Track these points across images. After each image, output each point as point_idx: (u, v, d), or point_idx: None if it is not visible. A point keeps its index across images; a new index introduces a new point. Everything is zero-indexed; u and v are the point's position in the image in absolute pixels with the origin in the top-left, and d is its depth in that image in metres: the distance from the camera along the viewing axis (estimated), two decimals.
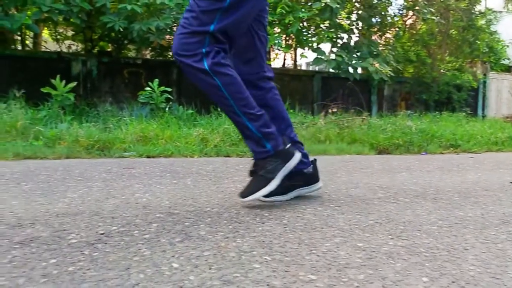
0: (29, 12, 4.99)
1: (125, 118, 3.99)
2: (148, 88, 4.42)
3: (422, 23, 7.99)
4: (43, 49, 7.91)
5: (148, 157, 3.13)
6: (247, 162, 2.83)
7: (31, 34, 6.97)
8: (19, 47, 6.73)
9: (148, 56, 7.13)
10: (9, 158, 2.80)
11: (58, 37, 8.00)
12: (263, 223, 1.31)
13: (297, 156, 1.55)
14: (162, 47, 5.99)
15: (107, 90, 5.90)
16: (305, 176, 1.67)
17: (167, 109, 4.43)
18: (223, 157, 3.27)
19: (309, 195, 1.72)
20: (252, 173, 1.54)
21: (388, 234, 1.25)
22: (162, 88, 4.45)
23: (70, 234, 1.15)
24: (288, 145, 1.55)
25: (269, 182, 1.48)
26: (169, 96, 4.54)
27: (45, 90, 4.07)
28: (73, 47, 8.32)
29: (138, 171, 2.32)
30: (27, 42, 7.66)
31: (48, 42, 8.70)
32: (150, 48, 6.21)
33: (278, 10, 5.08)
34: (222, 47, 1.40)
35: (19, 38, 6.92)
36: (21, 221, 1.26)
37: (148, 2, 4.39)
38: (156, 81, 4.46)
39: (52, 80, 4.14)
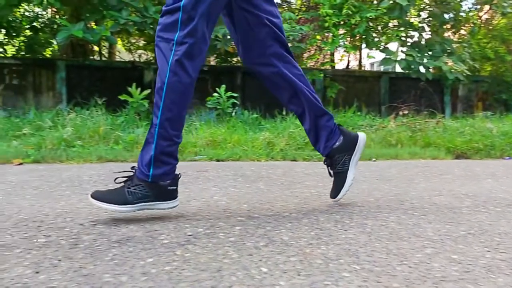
0: (106, 25, 5.39)
1: (195, 123, 4.14)
2: (215, 94, 4.56)
3: (500, 17, 7.39)
4: (117, 59, 8.50)
5: (217, 160, 3.22)
6: (316, 167, 2.81)
7: (107, 45, 7.52)
8: (97, 58, 7.30)
9: (213, 63, 7.37)
10: (94, 161, 3.03)
11: (131, 47, 8.56)
12: (345, 230, 1.28)
13: (173, 204, 1.39)
14: (227, 53, 6.15)
15: None
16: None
17: (233, 113, 4.53)
18: (290, 161, 3.26)
19: None
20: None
21: (483, 246, 1.16)
22: (229, 93, 4.56)
23: (161, 235, 1.21)
24: (174, 188, 1.39)
25: (125, 204, 1.32)
26: (235, 101, 4.64)
27: (122, 97, 4.35)
28: (144, 56, 8.85)
29: (212, 174, 2.39)
30: (103, 52, 8.29)
31: (121, 52, 9.34)
32: (215, 55, 6.40)
33: (344, 10, 4.98)
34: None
35: (97, 49, 7.51)
36: (116, 221, 1.35)
37: None
38: (223, 87, 4.58)
39: (129, 88, 4.42)
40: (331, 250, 1.10)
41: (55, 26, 7.42)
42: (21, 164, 2.91)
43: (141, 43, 8.55)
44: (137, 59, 8.43)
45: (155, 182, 1.33)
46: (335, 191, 1.56)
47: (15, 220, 1.36)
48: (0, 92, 5.84)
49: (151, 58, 7.71)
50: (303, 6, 7.52)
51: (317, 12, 5.53)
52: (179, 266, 0.98)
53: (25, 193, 1.81)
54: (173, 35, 1.29)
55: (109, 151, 3.29)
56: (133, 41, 8.55)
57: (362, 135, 1.59)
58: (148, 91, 4.54)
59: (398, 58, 5.36)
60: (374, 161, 3.24)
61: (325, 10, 4.97)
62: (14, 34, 6.99)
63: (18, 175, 2.36)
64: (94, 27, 4.51)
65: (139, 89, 4.47)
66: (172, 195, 1.38)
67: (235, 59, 6.92)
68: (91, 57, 7.08)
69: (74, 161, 3.01)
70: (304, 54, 6.78)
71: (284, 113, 4.65)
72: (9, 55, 6.77)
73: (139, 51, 8.71)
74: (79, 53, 6.61)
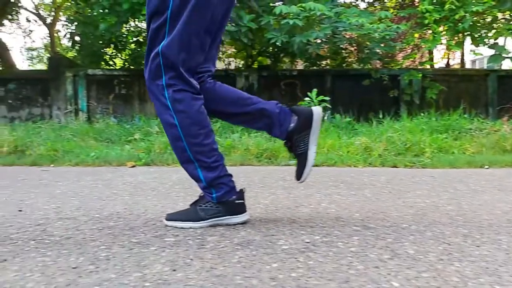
0: None
1: None
2: (306, 98, 4.54)
3: None
4: None
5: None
6: (422, 174, 2.64)
7: None
8: None
9: (301, 67, 7.37)
10: None
11: (221, 55, 8.92)
12: (477, 246, 1.17)
13: (245, 217, 1.41)
14: (317, 56, 6.10)
15: None
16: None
17: (325, 118, 4.47)
18: (390, 168, 3.10)
19: None
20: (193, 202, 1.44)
21: None
22: (321, 97, 4.51)
23: (279, 240, 1.23)
24: (241, 201, 1.40)
25: (198, 220, 1.37)
26: (327, 105, 4.57)
27: None
28: (232, 64, 9.18)
29: (311, 180, 2.37)
30: None
31: None
32: (304, 59, 6.40)
33: (447, 6, 4.62)
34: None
35: None
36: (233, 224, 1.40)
37: (308, 15, 4.52)
38: (315, 91, 4.54)
39: None
40: (467, 268, 1.01)
41: None
42: (134, 166, 3.20)
43: (229, 51, 8.91)
44: (223, 67, 8.79)
45: (221, 201, 1.38)
46: (299, 173, 1.47)
47: (144, 219, 1.48)
48: (110, 101, 6.51)
49: (240, 65, 7.98)
50: (397, 4, 7.17)
51: (415, 9, 5.23)
52: (305, 274, 0.98)
53: (146, 193, 1.97)
54: (160, 80, 1.31)
55: None
56: (223, 49, 8.93)
57: (316, 110, 1.46)
58: None
59: (510, 55, 4.81)
60: (487, 168, 2.94)
61: (425, 7, 4.67)
62: (121, 48, 7.77)
63: (134, 176, 2.59)
64: None
65: None
66: (240, 209, 1.41)
67: (324, 62, 6.84)
68: None
69: (178, 164, 3.21)
70: (400, 54, 6.44)
71: (380, 116, 4.46)
72: (118, 67, 7.53)
73: (228, 59, 9.08)
74: None
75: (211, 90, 1.43)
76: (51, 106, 6.50)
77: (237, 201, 1.39)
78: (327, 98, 4.60)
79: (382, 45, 5.07)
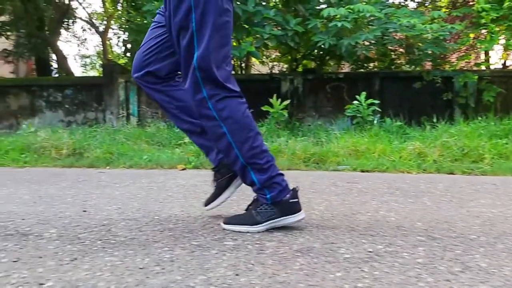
0: (246, 39, 5.75)
1: (335, 132, 4.10)
2: (355, 102, 4.45)
3: None
4: (252, 71, 9.03)
5: (362, 171, 3.11)
6: (484, 182, 2.49)
7: (244, 58, 8.03)
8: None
9: (347, 69, 7.24)
10: None
11: (264, 59, 8.97)
12: None
13: (300, 216, 1.38)
14: (366, 58, 5.96)
15: (311, 105, 6.23)
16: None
17: (375, 121, 4.35)
18: (446, 174, 2.96)
19: None
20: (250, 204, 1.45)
21: None
22: (370, 100, 4.40)
23: (340, 248, 1.20)
24: (294, 201, 1.38)
25: (255, 224, 1.37)
26: (377, 108, 4.45)
27: (264, 108, 4.57)
28: (276, 68, 9.19)
29: (364, 186, 2.31)
30: (239, 66, 8.86)
31: (255, 65, 9.89)
32: (351, 61, 6.28)
33: (506, 4, 4.36)
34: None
35: (235, 63, 8.08)
36: (290, 229, 1.39)
37: (356, 17, 4.44)
38: (363, 94, 4.44)
39: (270, 99, 4.62)
40: None
41: None
42: (184, 169, 3.27)
43: (273, 55, 8.93)
44: (269, 71, 8.82)
45: (276, 202, 1.36)
46: (209, 200, 1.56)
47: (201, 222, 1.51)
48: (159, 106, 6.72)
49: (285, 69, 7.97)
50: (450, 3, 6.86)
51: (470, 8, 4.97)
52: (371, 284, 0.95)
53: (199, 196, 2.01)
54: (201, 94, 1.32)
55: None
56: (266, 53, 8.98)
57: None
58: (288, 101, 4.68)
59: None
60: None
61: (481, 5, 4.43)
62: None
63: (185, 179, 2.65)
64: (241, 43, 4.85)
65: (279, 99, 4.64)
66: (295, 207, 1.38)
67: (371, 64, 6.67)
68: (232, 72, 7.63)
69: None
70: (453, 55, 6.15)
71: (434, 120, 4.27)
72: None
73: (271, 63, 9.10)
74: None
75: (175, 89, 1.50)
76: (104, 110, 6.82)
77: (291, 200, 1.38)
78: (377, 102, 4.48)
79: (435, 46, 4.86)
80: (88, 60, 17.90)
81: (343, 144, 3.71)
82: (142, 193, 2.14)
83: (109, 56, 13.16)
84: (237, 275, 1.01)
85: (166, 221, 1.52)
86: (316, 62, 7.04)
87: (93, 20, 13.57)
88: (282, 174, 1.40)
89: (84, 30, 12.46)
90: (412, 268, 1.04)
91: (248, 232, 1.36)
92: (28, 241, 1.27)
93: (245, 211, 1.44)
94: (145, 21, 7.04)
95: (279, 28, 4.84)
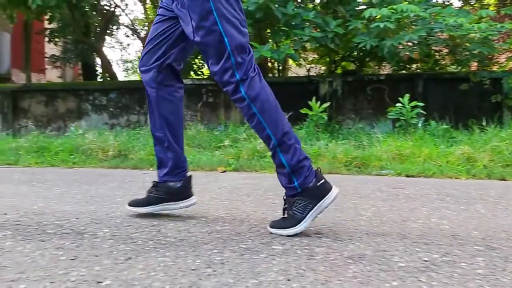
0: (284, 42, 5.74)
1: (376, 136, 4.00)
2: (398, 104, 4.32)
3: None
4: (289, 73, 8.99)
5: (407, 176, 3.01)
6: None
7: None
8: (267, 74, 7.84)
9: (388, 71, 7.05)
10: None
11: (302, 62, 8.91)
12: None
13: (335, 191, 1.37)
14: (409, 60, 5.78)
15: (350, 107, 6.12)
16: (170, 189, 1.58)
17: (419, 124, 4.21)
18: (498, 180, 2.80)
19: None
20: (283, 210, 1.43)
21: None
22: (414, 103, 4.26)
23: (393, 256, 1.16)
24: (322, 181, 1.36)
25: (298, 223, 1.35)
26: (421, 111, 4.29)
27: (303, 111, 4.54)
28: (313, 70, 9.11)
29: (411, 192, 2.23)
30: (278, 68, 8.85)
31: (292, 67, 9.84)
32: (394, 62, 6.11)
33: None
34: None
35: (270, 65, 8.09)
36: (338, 235, 1.36)
37: (400, 17, 4.32)
38: (407, 96, 4.31)
39: (309, 102, 4.59)
40: None
41: None
42: (224, 171, 3.31)
43: (310, 57, 8.85)
44: (306, 73, 8.75)
45: (304, 188, 1.35)
46: (137, 203, 1.62)
47: (248, 225, 1.51)
48: (198, 109, 6.84)
49: (323, 71, 7.89)
50: (499, 1, 6.53)
51: None
52: None
53: (242, 199, 2.02)
54: (235, 78, 1.36)
55: None
56: (303, 55, 8.92)
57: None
58: (327, 104, 4.62)
59: None
60: None
61: None
62: None
63: (227, 181, 2.67)
64: (280, 46, 4.86)
65: (318, 102, 4.59)
66: (326, 189, 1.37)
67: (414, 65, 6.46)
68: (269, 75, 7.65)
69: (267, 170, 3.25)
70: (502, 55, 5.84)
71: (483, 123, 4.07)
72: (206, 77, 7.90)
73: (308, 65, 9.03)
74: (261, 71, 7.23)
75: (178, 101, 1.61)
76: (146, 113, 7.03)
77: (319, 183, 1.36)
78: (421, 104, 4.33)
79: (482, 46, 4.64)
80: (129, 65, 18.53)
81: (386, 148, 3.61)
82: None
83: None
84: (288, 280, 1.00)
85: (213, 223, 1.53)
86: (355, 64, 6.92)
87: (135, 26, 14.06)
88: (309, 159, 1.41)
89: (127, 36, 12.92)
90: (472, 280, 0.99)
91: (295, 234, 1.34)
92: (83, 239, 1.33)
93: (284, 216, 1.42)
94: None
95: (318, 30, 4.79)
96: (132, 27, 13.43)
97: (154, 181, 1.63)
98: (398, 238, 1.33)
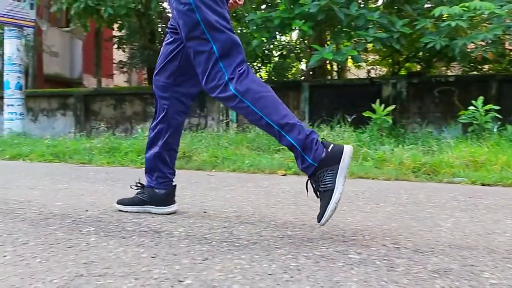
0: (345, 43, 5.62)
1: (447, 141, 3.77)
2: (471, 107, 4.04)
3: None
4: (348, 75, 8.80)
5: (482, 185, 2.80)
6: None
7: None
8: (329, 77, 7.71)
9: (458, 72, 6.65)
10: (347, 176, 3.13)
11: (361, 63, 8.67)
12: None
13: (348, 148, 1.34)
14: (482, 60, 5.41)
15: (415, 110, 5.84)
16: (154, 195, 1.72)
17: (494, 129, 3.90)
18: None
19: None
20: (315, 193, 1.40)
21: None
22: (488, 106, 3.96)
23: (483, 272, 1.07)
24: (331, 146, 1.35)
25: (332, 195, 1.32)
26: (496, 114, 3.98)
27: (366, 114, 4.40)
28: (372, 71, 8.83)
29: (491, 202, 2.07)
30: (337, 71, 8.69)
31: (351, 69, 9.61)
32: (466, 63, 5.75)
33: None
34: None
35: (329, 68, 7.96)
36: (420, 247, 1.29)
37: (473, 15, 4.04)
38: (481, 98, 4.02)
39: (373, 104, 4.44)
40: None
41: (299, 51, 8.31)
42: (284, 175, 3.29)
43: (370, 58, 8.59)
44: (365, 75, 8.50)
45: (319, 160, 1.33)
46: (124, 202, 1.79)
47: (319, 231, 1.48)
48: None
49: (383, 73, 7.63)
50: None
51: None
52: None
53: (309, 204, 1.99)
54: (222, 81, 1.40)
55: (359, 167, 3.34)
56: (363, 57, 8.68)
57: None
58: (393, 107, 4.44)
59: None
60: None
61: None
62: (266, 61, 8.22)
63: (289, 185, 2.65)
64: (342, 47, 4.76)
65: (382, 105, 4.43)
66: (339, 150, 1.34)
67: (486, 66, 6.03)
68: (328, 77, 7.54)
69: None
70: None
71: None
72: (264, 80, 7.97)
73: (368, 67, 8.76)
74: (318, 74, 7.16)
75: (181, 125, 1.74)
76: (206, 116, 7.23)
77: (329, 149, 1.34)
78: (497, 107, 4.02)
79: None
80: None
81: (458, 154, 3.39)
82: (251, 197, 2.19)
83: None
84: None
85: (283, 227, 1.52)
86: (421, 65, 6.61)
87: None
88: (316, 133, 1.40)
89: None
90: None
91: (336, 203, 1.32)
92: (161, 238, 1.37)
93: (319, 197, 1.38)
94: (244, 31, 7.32)
95: (381, 30, 4.63)
96: None
97: (139, 183, 1.78)
98: (486, 252, 1.23)
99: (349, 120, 4.31)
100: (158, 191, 1.72)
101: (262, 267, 1.11)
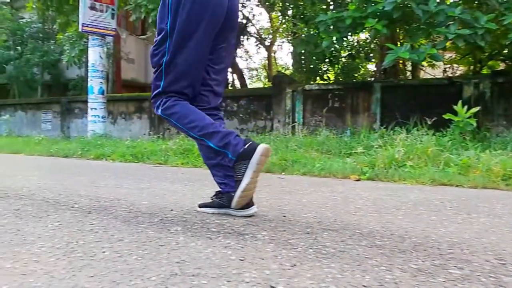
0: (421, 41, 5.30)
1: None
2: None
3: None
4: (421, 75, 8.31)
5: None
6: None
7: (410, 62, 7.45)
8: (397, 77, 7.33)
9: None
10: (427, 183, 2.94)
11: (435, 62, 8.14)
12: None
13: (260, 147, 1.57)
14: None
15: (501, 112, 5.35)
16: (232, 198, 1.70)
17: None
18: None
19: None
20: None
21: None
22: None
23: None
24: (249, 143, 1.58)
25: (241, 181, 1.59)
26: None
27: (447, 116, 4.11)
28: (448, 70, 8.24)
29: None
30: (408, 70, 8.25)
31: (424, 68, 9.05)
32: None
33: None
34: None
35: (404, 67, 7.57)
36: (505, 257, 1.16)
37: None
38: None
39: (454, 106, 4.14)
40: None
41: (369, 51, 8.03)
42: (358, 180, 3.18)
43: (447, 56, 8.02)
44: (441, 74, 7.96)
45: (237, 155, 1.58)
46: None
47: (410, 242, 1.39)
48: (324, 114, 6.78)
49: (461, 72, 7.09)
50: None
51: None
52: None
53: (392, 212, 1.89)
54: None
55: (441, 173, 3.12)
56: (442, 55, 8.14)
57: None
58: (477, 108, 4.11)
59: None
60: None
61: None
62: (334, 62, 8.05)
63: (366, 191, 2.55)
64: (419, 46, 4.51)
65: (465, 107, 4.11)
66: (253, 147, 1.57)
67: None
68: (401, 77, 7.19)
69: (406, 181, 3.02)
70: None
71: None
72: (331, 81, 7.81)
73: (444, 66, 8.19)
74: (390, 74, 6.85)
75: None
76: (272, 119, 7.26)
77: (246, 146, 1.57)
78: None
79: None
80: (254, 73, 19.46)
81: None
82: (328, 202, 2.13)
83: (273, 68, 14.03)
84: None
85: (370, 236, 1.45)
86: (506, 63, 6.06)
87: (261, 35, 14.70)
88: (233, 132, 1.62)
89: (257, 45, 13.57)
90: None
91: (241, 192, 1.61)
92: (246, 241, 1.38)
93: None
94: (311, 31, 7.24)
95: (462, 27, 4.29)
96: (259, 37, 14.08)
97: (218, 191, 1.81)
98: None
99: (429, 122, 4.06)
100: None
101: (355, 277, 1.06)
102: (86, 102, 7.83)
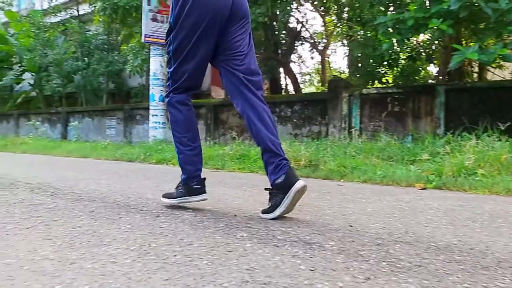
0: (489, 41, 4.95)
1: None
2: None
3: None
4: (488, 76, 7.74)
5: None
6: None
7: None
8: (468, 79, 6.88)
9: None
10: (501, 193, 2.72)
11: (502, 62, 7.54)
12: None
13: (201, 197, 1.99)
14: None
15: None
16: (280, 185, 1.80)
17: None
18: None
19: None
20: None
21: None
22: None
23: None
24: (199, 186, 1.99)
25: (170, 200, 2.07)
26: None
27: None
28: None
29: None
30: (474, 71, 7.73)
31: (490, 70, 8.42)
32: None
33: None
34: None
35: (470, 69, 7.11)
36: None
37: None
38: None
39: None
40: None
41: (430, 52, 7.65)
42: (424, 188, 3.01)
43: None
44: (510, 76, 7.36)
45: (184, 184, 2.05)
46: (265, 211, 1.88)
47: (493, 258, 1.28)
48: (383, 119, 6.54)
49: None
50: None
51: None
52: None
53: (468, 225, 1.76)
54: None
55: None
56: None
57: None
58: None
59: None
60: None
61: None
62: (393, 65, 7.75)
63: (435, 201, 2.41)
64: (489, 46, 4.21)
65: None
66: (198, 192, 2.02)
67: None
68: (466, 79, 6.77)
69: (478, 191, 2.82)
70: None
71: None
72: (390, 85, 7.53)
73: (511, 67, 7.56)
74: (455, 76, 6.48)
75: None
76: (327, 124, 7.14)
77: (195, 186, 1.99)
78: None
79: None
80: (307, 77, 19.32)
81: None
82: (395, 212, 2.04)
83: (327, 72, 13.83)
84: None
85: (447, 250, 1.36)
86: None
87: (314, 40, 14.56)
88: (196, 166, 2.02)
89: (311, 49, 13.47)
90: None
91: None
92: (313, 250, 1.35)
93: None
94: (368, 34, 7.05)
95: None
96: (313, 41, 13.97)
97: (268, 188, 1.88)
98: None
99: (503, 128, 3.77)
100: (279, 181, 1.78)
101: None
102: (147, 109, 8.21)
